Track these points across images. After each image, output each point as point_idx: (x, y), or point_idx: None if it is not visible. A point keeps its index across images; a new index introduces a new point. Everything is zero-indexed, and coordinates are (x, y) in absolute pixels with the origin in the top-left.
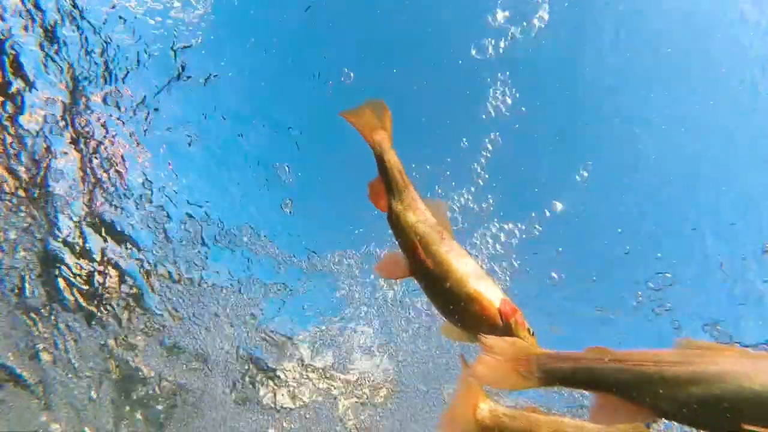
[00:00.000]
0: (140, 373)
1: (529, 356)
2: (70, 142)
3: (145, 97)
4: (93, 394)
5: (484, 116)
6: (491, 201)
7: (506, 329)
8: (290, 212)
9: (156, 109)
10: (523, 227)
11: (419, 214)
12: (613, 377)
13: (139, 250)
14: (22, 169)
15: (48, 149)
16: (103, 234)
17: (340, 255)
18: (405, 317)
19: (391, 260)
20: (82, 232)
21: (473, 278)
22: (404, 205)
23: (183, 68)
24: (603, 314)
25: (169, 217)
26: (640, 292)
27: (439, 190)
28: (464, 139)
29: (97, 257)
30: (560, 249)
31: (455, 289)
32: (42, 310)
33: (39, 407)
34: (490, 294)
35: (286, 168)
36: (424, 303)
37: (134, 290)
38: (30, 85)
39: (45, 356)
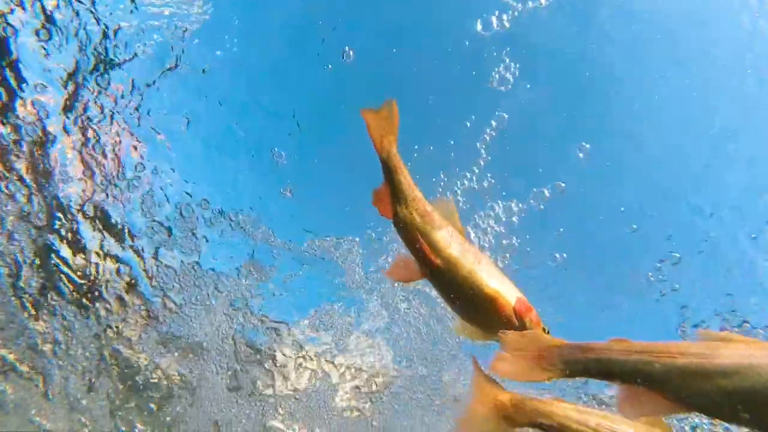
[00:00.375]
0: (135, 362)
1: (550, 348)
2: (67, 130)
3: (133, 82)
4: (88, 384)
5: (490, 91)
6: (492, 181)
7: (521, 328)
8: (290, 194)
9: (152, 88)
10: (525, 206)
11: (426, 217)
12: (638, 369)
13: (133, 238)
14: (21, 156)
15: (45, 136)
16: (99, 221)
17: (339, 240)
18: (406, 299)
19: (401, 264)
20: (75, 221)
21: (488, 277)
22: (410, 209)
23: (180, 55)
24: (607, 297)
25: (167, 199)
26: (650, 273)
27: (443, 176)
28: (472, 116)
29: (94, 244)
30: (561, 229)
31: (469, 288)
32: (39, 298)
33: (37, 395)
34: (506, 293)
35: (282, 154)
36: (428, 287)
37: (129, 277)
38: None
39: (41, 345)
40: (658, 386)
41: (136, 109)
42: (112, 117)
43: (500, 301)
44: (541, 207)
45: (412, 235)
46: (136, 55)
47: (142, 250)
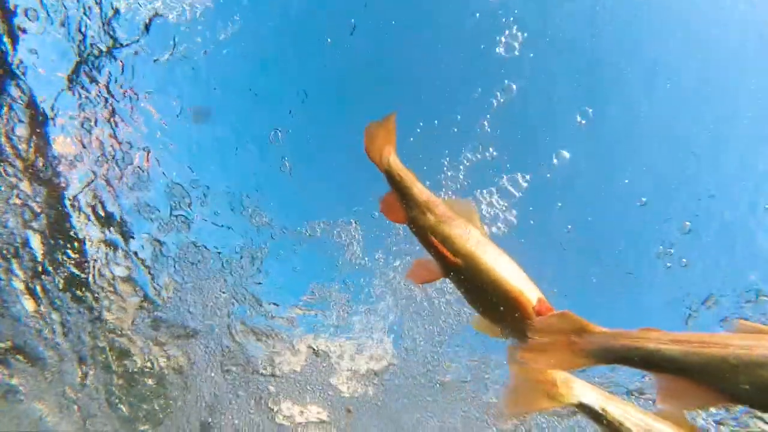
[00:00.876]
0: (129, 348)
1: (583, 333)
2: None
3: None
4: (82, 373)
5: (498, 56)
6: (494, 153)
7: None
8: (288, 166)
9: (150, 67)
10: (528, 177)
11: (442, 217)
12: (678, 359)
13: (124, 223)
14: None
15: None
16: (97, 208)
17: (338, 222)
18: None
19: (421, 266)
20: (77, 206)
21: (509, 275)
22: (422, 209)
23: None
24: (614, 276)
25: (165, 174)
26: (661, 247)
27: (447, 153)
28: (479, 89)
29: (93, 231)
30: (560, 204)
31: (491, 286)
32: (34, 286)
33: (34, 386)
34: (528, 291)
35: (279, 134)
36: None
37: (123, 259)
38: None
39: (35, 333)
40: (700, 378)
41: (134, 92)
42: (107, 100)
43: (521, 299)
44: (548, 175)
45: (428, 236)
46: (137, 39)
47: (135, 230)
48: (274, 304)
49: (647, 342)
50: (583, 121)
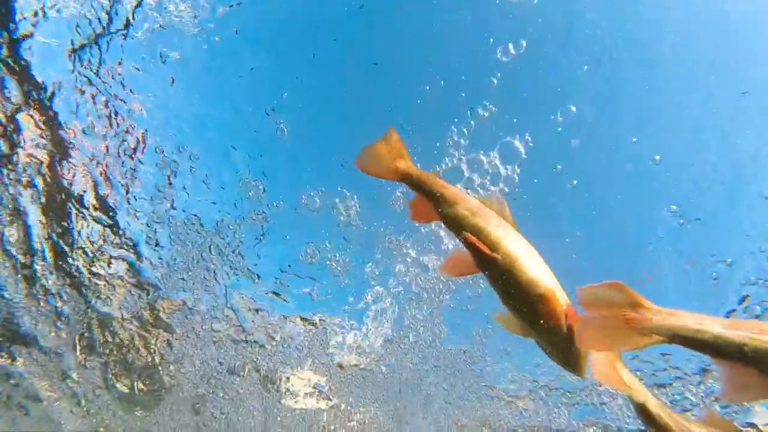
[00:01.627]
0: (121, 324)
1: (639, 307)
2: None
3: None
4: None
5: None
6: (494, 109)
7: (568, 332)
8: (283, 128)
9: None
10: (529, 139)
11: (478, 213)
12: (744, 346)
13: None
14: None
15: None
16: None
17: (337, 193)
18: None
19: (457, 258)
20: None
21: (543, 276)
22: (453, 205)
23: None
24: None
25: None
26: (674, 206)
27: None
28: (491, 39)
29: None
30: (559, 166)
31: (525, 285)
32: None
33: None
34: (559, 295)
35: (273, 117)
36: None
37: (113, 235)
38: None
39: (28, 318)
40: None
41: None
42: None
43: (553, 300)
44: (559, 129)
45: (460, 228)
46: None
47: (129, 203)
48: (275, 278)
49: (711, 325)
50: (585, 67)
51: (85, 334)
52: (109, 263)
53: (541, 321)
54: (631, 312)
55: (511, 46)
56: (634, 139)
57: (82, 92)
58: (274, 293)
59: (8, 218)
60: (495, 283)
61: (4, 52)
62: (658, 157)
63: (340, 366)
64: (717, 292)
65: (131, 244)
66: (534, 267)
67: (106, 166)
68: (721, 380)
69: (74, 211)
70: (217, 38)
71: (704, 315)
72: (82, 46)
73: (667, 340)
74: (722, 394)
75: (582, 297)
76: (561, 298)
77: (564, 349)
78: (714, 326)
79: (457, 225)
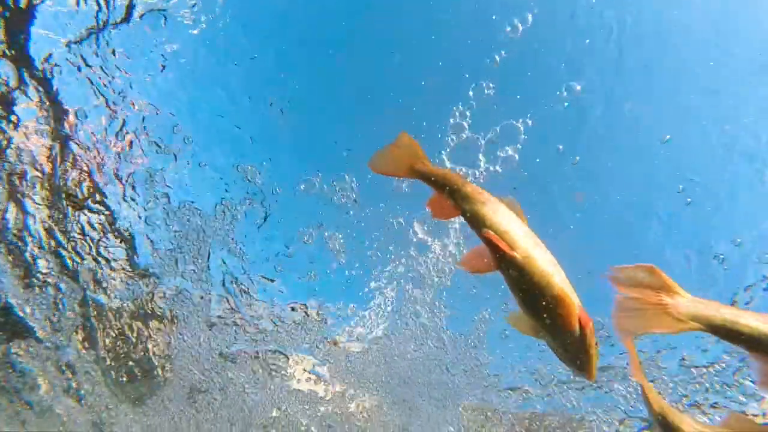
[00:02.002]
0: (120, 313)
1: (673, 293)
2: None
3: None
4: (75, 348)
5: None
6: (493, 86)
7: (580, 336)
8: (283, 111)
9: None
10: (530, 122)
11: (498, 212)
12: None
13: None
14: None
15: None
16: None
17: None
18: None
19: (476, 254)
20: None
21: (558, 276)
22: (472, 201)
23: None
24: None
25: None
26: (681, 185)
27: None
28: (493, 16)
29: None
30: (560, 146)
31: (542, 285)
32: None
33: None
34: (573, 297)
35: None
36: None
37: (108, 223)
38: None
39: (23, 306)
40: None
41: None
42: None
43: (568, 302)
44: (566, 104)
45: (480, 225)
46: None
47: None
48: (274, 265)
49: (749, 318)
50: (587, 40)
51: (83, 324)
52: (97, 251)
53: (555, 323)
54: (666, 296)
55: (517, 21)
56: (667, 137)
57: (82, 78)
58: (268, 278)
59: (4, 206)
60: (511, 282)
61: (2, 36)
62: (668, 137)
63: (335, 342)
64: (723, 275)
65: (127, 235)
66: (549, 268)
67: (102, 154)
68: (756, 373)
69: (70, 202)
70: (216, 20)
71: (739, 308)
72: (85, 38)
73: (703, 328)
74: (758, 385)
75: (615, 277)
76: (574, 301)
77: (575, 351)
78: (751, 320)
79: (477, 222)
